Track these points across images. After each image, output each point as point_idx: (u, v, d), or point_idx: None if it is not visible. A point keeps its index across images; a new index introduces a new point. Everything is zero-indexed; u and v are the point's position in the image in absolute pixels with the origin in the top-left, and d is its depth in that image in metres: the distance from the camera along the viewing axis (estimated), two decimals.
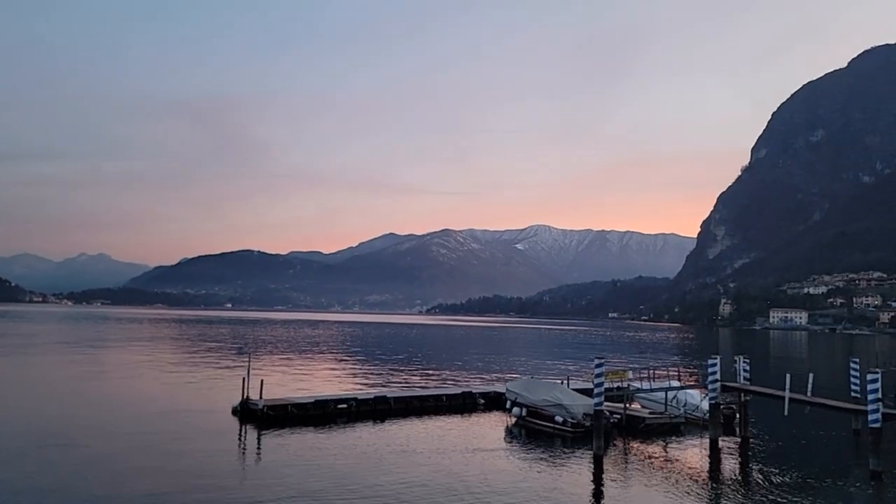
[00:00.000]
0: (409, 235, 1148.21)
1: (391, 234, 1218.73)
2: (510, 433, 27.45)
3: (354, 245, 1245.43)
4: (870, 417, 21.33)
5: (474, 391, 33.80)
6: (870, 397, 21.56)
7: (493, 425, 28.90)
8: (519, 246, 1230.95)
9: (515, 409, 28.67)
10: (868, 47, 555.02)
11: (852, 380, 28.46)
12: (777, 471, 22.73)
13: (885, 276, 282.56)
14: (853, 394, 27.73)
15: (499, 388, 33.50)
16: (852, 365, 29.09)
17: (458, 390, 34.46)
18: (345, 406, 29.97)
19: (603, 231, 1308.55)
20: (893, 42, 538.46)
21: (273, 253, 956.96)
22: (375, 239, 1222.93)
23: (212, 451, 22.66)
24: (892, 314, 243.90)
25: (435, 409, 31.12)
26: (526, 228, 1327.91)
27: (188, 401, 33.41)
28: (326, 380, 43.33)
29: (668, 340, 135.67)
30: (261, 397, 28.73)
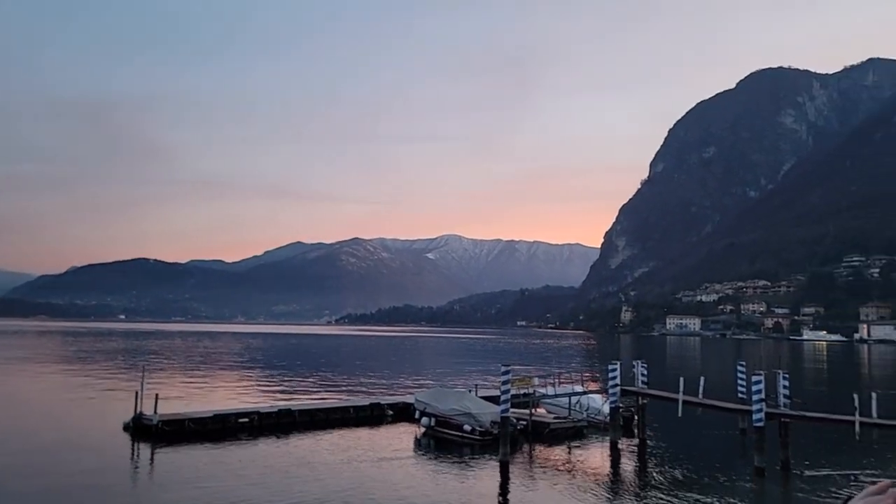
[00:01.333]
0: (317, 244, 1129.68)
1: (298, 242, 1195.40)
2: (419, 443, 27.37)
3: (259, 254, 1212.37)
4: (754, 417, 22.75)
5: (383, 402, 33.50)
6: (754, 398, 23.00)
7: (401, 436, 28.72)
8: (430, 255, 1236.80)
9: (424, 420, 28.61)
10: (754, 70, 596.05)
11: (739, 382, 30.20)
12: (671, 469, 23.88)
13: (769, 284, 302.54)
14: (740, 395, 29.38)
15: (408, 398, 33.34)
16: (739, 368, 30.92)
17: (367, 402, 34.05)
18: (246, 420, 28.96)
19: (512, 241, 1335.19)
20: (776, 66, 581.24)
21: (171, 261, 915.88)
22: (282, 247, 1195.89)
23: (100, 469, 21.32)
24: (776, 320, 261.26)
25: (342, 422, 30.59)
26: (437, 238, 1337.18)
27: (73, 418, 31.36)
28: (227, 393, 41.74)
29: (573, 347, 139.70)
30: (155, 412, 27.29)
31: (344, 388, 45.92)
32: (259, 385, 48.07)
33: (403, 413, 31.55)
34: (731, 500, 19.51)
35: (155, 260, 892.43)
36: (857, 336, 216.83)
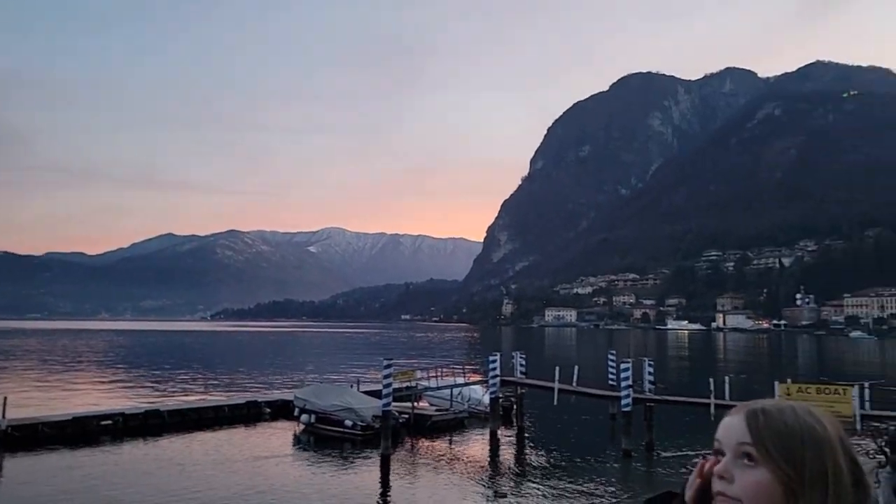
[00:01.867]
0: (190, 236, 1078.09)
1: (170, 234, 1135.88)
2: (298, 441, 26.76)
3: (126, 246, 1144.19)
4: (622, 402, 24.06)
5: (260, 400, 32.42)
6: (622, 385, 24.33)
7: (280, 434, 27.95)
8: (312, 248, 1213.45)
9: (304, 416, 27.96)
10: (626, 74, 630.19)
11: (610, 370, 31.77)
12: (547, 454, 24.83)
13: (638, 277, 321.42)
14: (610, 382, 30.89)
15: (287, 395, 32.42)
16: (610, 357, 32.55)
17: (243, 400, 32.84)
18: (109, 423, 27.07)
19: (397, 235, 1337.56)
20: (646, 71, 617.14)
21: (25, 254, 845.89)
22: (151, 239, 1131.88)
23: None
24: (644, 311, 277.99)
25: (216, 421, 29.26)
26: (319, 231, 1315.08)
27: None
28: (89, 396, 38.85)
29: (456, 340, 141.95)
30: (3, 416, 24.97)
31: (219, 387, 44.04)
32: (124, 386, 45.12)
33: (282, 411, 30.64)
34: (601, 481, 20.52)
35: (6, 252, 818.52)
36: (714, 325, 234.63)
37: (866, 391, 20.73)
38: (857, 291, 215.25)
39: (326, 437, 26.44)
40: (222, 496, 18.39)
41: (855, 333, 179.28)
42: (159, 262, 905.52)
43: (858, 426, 19.77)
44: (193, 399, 35.90)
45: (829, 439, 0.97)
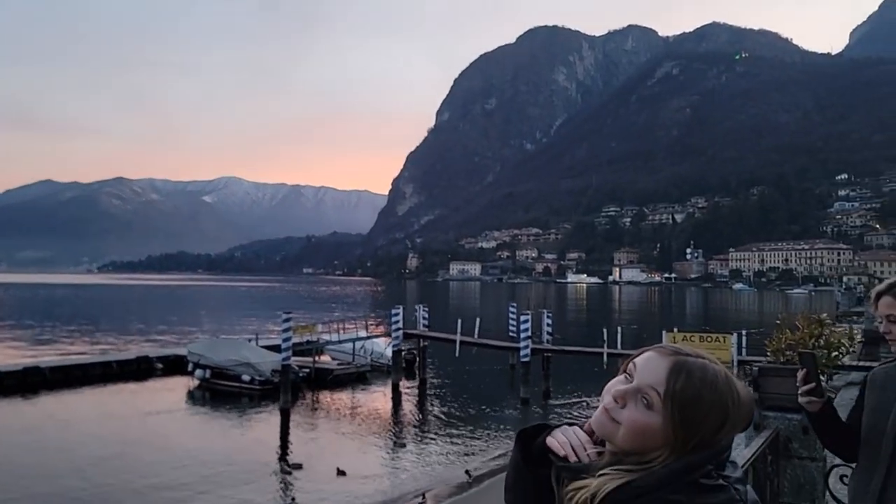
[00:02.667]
0: (72, 183, 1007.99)
1: (49, 180, 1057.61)
2: (193, 396, 25.89)
3: None
4: (521, 353, 24.66)
5: (151, 355, 31.01)
6: (522, 336, 24.91)
7: (173, 389, 26.92)
8: (207, 198, 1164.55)
9: (198, 372, 26.98)
10: (533, 26, 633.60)
11: (510, 322, 32.41)
12: (448, 404, 25.22)
13: (541, 231, 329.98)
14: (511, 334, 31.56)
15: (180, 351, 31.14)
16: (510, 309, 33.19)
17: (133, 355, 31.29)
18: None
19: (298, 186, 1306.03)
20: (552, 24, 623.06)
21: None
22: (28, 186, 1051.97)
23: None
24: (545, 265, 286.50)
25: (103, 378, 27.75)
26: (215, 180, 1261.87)
27: None
28: None
29: (360, 294, 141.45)
30: None
31: (107, 344, 41.79)
32: None
33: (175, 366, 29.39)
34: (500, 428, 21.05)
35: None
36: (610, 278, 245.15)
37: (743, 339, 22.09)
38: (740, 246, 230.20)
39: (223, 393, 25.69)
40: (114, 451, 17.66)
41: (737, 286, 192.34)
42: (37, 210, 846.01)
43: (735, 370, 21.16)
44: (78, 355, 33.84)
45: (735, 415, 1.01)
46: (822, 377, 2.50)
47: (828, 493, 2.83)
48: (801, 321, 3.96)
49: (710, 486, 0.95)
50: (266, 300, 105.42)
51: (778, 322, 4.37)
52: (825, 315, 4.27)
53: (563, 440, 1.06)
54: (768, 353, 3.64)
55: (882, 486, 2.23)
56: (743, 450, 2.72)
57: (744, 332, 22.96)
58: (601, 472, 0.99)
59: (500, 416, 23.06)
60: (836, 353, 3.93)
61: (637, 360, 1.07)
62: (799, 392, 2.39)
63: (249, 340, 31.94)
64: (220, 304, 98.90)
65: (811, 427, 2.53)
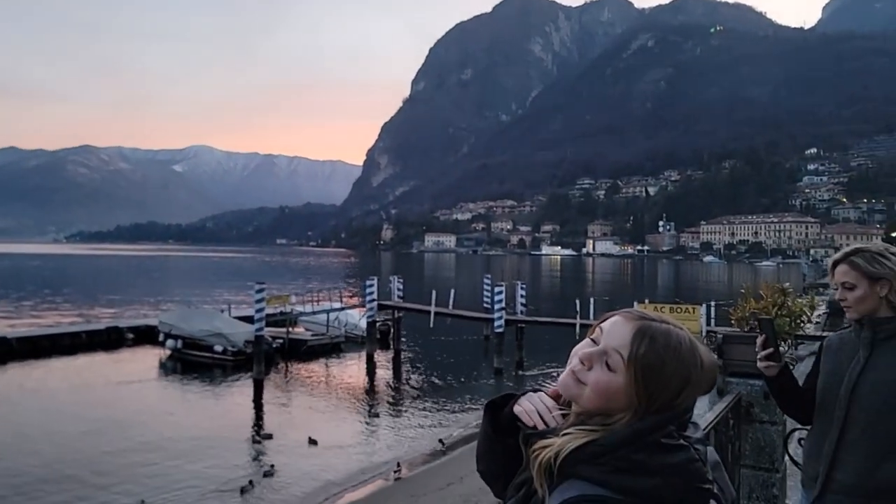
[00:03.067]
0: (37, 150, 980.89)
1: (12, 147, 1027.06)
2: (164, 366, 25.77)
3: None
4: (495, 324, 24.87)
5: (122, 325, 30.64)
6: (496, 307, 25.07)
7: (144, 359, 26.76)
8: (177, 168, 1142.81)
9: (170, 342, 26.77)
10: None
11: (485, 293, 32.55)
12: (422, 375, 25.42)
13: (515, 203, 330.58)
14: (485, 305, 31.73)
15: (151, 321, 30.79)
16: (485, 281, 33.29)
17: (102, 325, 30.87)
18: None
19: (271, 155, 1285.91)
20: None
21: None
22: None
23: None
24: (520, 237, 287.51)
25: (73, 349, 27.39)
26: (185, 149, 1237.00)
27: None
28: None
29: (334, 265, 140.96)
30: None
31: (76, 314, 41.19)
32: None
33: (146, 336, 29.11)
34: (472, 398, 21.25)
35: None
36: (584, 250, 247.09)
37: (711, 309, 22.48)
38: (711, 219, 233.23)
39: (195, 363, 25.54)
40: (84, 421, 17.55)
41: (708, 258, 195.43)
42: (1, 178, 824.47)
43: (703, 340, 21.53)
44: (46, 326, 33.29)
45: (697, 381, 1.05)
46: (781, 344, 2.66)
47: (787, 456, 2.95)
48: (765, 291, 4.10)
49: (671, 446, 0.99)
50: (238, 271, 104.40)
51: (743, 291, 4.64)
52: (788, 285, 4.39)
53: (530, 407, 1.10)
54: (733, 322, 3.94)
55: (835, 447, 2.34)
56: (706, 413, 2.82)
57: (712, 304, 23.34)
58: (565, 431, 1.03)
59: (473, 387, 23.27)
60: (798, 321, 4.04)
61: (604, 324, 1.10)
62: (758, 357, 2.51)
63: (222, 311, 31.72)
64: (191, 275, 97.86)
65: (769, 391, 2.66)
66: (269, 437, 16.28)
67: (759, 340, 2.51)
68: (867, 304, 2.33)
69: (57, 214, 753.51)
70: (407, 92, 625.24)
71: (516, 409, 1.11)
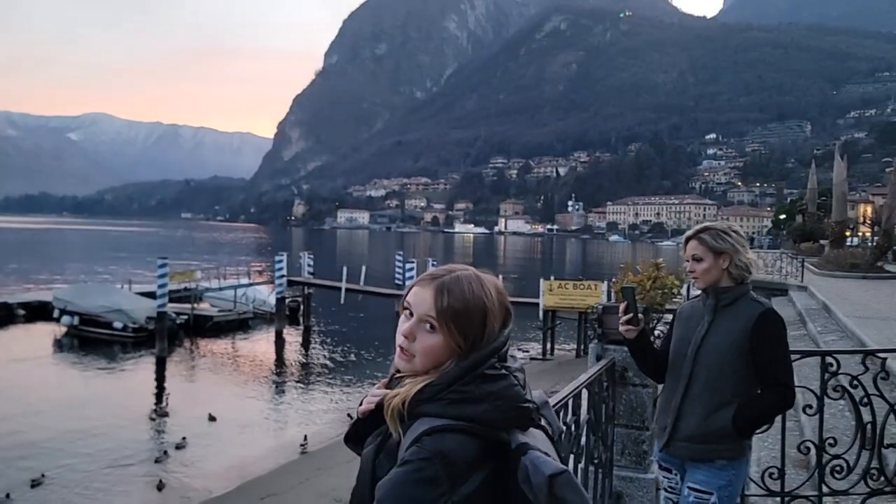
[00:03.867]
0: None
1: None
2: (60, 344, 24.63)
3: None
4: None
5: (10, 301, 28.91)
6: (408, 283, 25.25)
7: (38, 337, 25.46)
8: (73, 136, 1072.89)
9: (66, 318, 25.55)
10: None
11: (396, 270, 32.73)
12: (332, 351, 25.45)
13: (429, 181, 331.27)
14: (397, 281, 31.91)
15: (45, 297, 29.19)
16: (397, 258, 33.45)
17: None
18: None
19: (175, 125, 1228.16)
20: None
21: None
22: None
23: None
24: (434, 215, 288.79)
25: None
26: (81, 116, 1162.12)
27: None
28: None
29: (242, 240, 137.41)
30: None
31: None
32: None
33: (39, 312, 27.62)
34: (382, 374, 21.21)
35: None
36: (496, 229, 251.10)
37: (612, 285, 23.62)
38: (617, 200, 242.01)
39: (93, 340, 24.53)
40: None
41: (613, 237, 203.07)
42: None
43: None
44: None
45: (492, 307, 1.23)
46: (644, 312, 2.99)
47: (655, 415, 3.25)
48: (641, 265, 4.51)
49: (493, 376, 1.20)
50: (140, 246, 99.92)
51: (622, 266, 4.80)
52: (662, 261, 4.63)
53: (367, 401, 1.30)
54: (613, 294, 4.27)
55: (681, 401, 2.74)
56: (581, 375, 3.13)
57: (613, 280, 24.49)
58: (404, 382, 1.23)
59: (383, 363, 23.42)
60: (671, 294, 4.33)
61: (409, 297, 1.26)
62: (619, 321, 2.89)
63: (122, 286, 30.47)
64: (88, 250, 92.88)
65: (630, 352, 3.06)
66: (165, 414, 15.98)
67: (622, 307, 2.85)
68: (711, 274, 2.69)
69: None
70: (320, 64, 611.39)
71: (360, 410, 1.30)
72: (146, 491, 11.72)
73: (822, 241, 32.87)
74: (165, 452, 13.17)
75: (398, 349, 1.25)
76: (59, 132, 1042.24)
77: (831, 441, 3.76)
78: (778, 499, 3.75)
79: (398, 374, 1.29)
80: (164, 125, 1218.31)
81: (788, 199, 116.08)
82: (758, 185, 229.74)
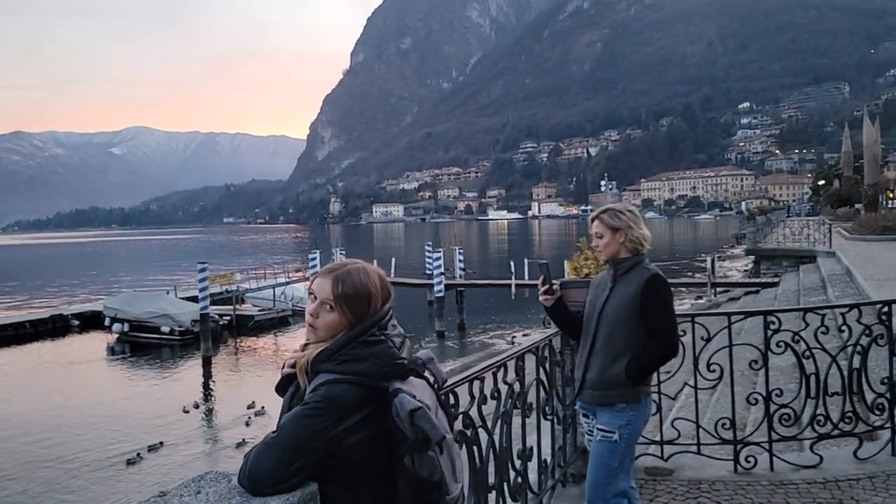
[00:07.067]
0: None
1: None
2: (112, 350, 26.09)
3: None
4: (435, 289, 26.02)
5: (66, 313, 30.67)
6: (435, 272, 26.22)
7: (92, 344, 27.00)
8: (116, 150, 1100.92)
9: (116, 325, 27.05)
10: None
11: (427, 260, 33.68)
12: None
13: (461, 170, 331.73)
14: (427, 271, 32.87)
15: (97, 307, 30.85)
16: (427, 248, 34.40)
17: (47, 314, 30.83)
18: None
19: (212, 133, 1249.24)
20: None
21: None
22: None
23: None
24: (467, 203, 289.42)
25: (17, 339, 27.36)
26: (122, 130, 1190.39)
27: None
28: None
29: (282, 241, 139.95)
30: None
31: (17, 305, 40.72)
32: None
33: (92, 322, 29.23)
34: None
35: None
36: (530, 213, 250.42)
37: None
38: (651, 176, 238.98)
39: (143, 345, 25.99)
40: (40, 402, 18.17)
41: (649, 214, 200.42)
42: None
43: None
44: None
45: (376, 292, 1.73)
46: (553, 281, 3.46)
47: None
48: (583, 244, 4.86)
49: (374, 341, 1.67)
50: (184, 252, 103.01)
51: (579, 245, 5.28)
52: (584, 238, 5.48)
53: (287, 362, 1.80)
54: (570, 270, 4.47)
55: (587, 355, 3.26)
56: (525, 342, 3.64)
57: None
58: (309, 346, 1.72)
59: (417, 350, 24.37)
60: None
61: (313, 286, 1.74)
62: (540, 292, 3.45)
63: (167, 292, 31.99)
64: (136, 259, 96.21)
65: (549, 316, 3.55)
66: (210, 411, 17.30)
67: (539, 280, 3.41)
68: (611, 248, 3.22)
69: None
70: (347, 63, 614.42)
71: (283, 371, 1.83)
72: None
73: (857, 206, 32.60)
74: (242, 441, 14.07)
75: (308, 326, 1.74)
76: (102, 148, 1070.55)
77: (777, 392, 4.15)
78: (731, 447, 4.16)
79: (307, 343, 1.75)
80: (201, 134, 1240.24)
81: (828, 165, 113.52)
82: (796, 151, 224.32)
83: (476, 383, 2.75)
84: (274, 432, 1.57)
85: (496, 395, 2.96)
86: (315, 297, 1.71)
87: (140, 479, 12.64)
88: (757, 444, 4.18)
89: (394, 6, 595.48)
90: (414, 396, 1.59)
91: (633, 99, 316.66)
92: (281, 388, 1.80)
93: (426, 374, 1.76)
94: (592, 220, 3.29)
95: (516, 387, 3.17)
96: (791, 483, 4.02)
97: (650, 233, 3.11)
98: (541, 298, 3.47)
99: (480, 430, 2.70)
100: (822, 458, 4.13)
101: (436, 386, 1.78)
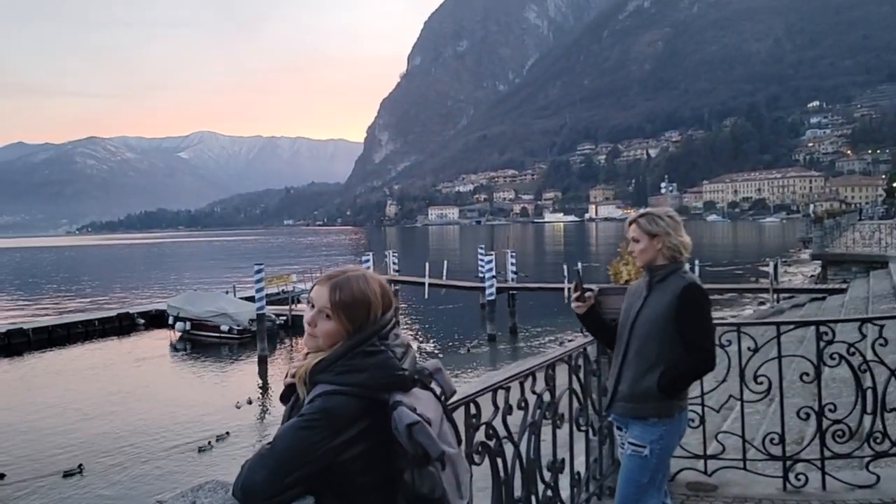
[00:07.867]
0: (44, 144, 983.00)
1: (20, 143, 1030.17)
2: (175, 347, 27.00)
3: None
4: (486, 292, 25.90)
5: (132, 311, 31.90)
6: (486, 276, 26.11)
7: (156, 342, 28.00)
8: (183, 155, 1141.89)
9: (179, 324, 27.98)
10: None
11: (479, 263, 33.60)
12: (420, 343, 26.50)
13: (517, 173, 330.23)
14: (480, 274, 32.80)
15: (160, 305, 31.96)
16: (479, 251, 34.31)
17: (114, 312, 32.11)
18: None
19: (273, 137, 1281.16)
20: None
21: None
22: None
23: None
24: (522, 205, 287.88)
25: (86, 336, 28.62)
26: (189, 135, 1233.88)
27: None
28: None
29: (339, 242, 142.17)
30: None
31: (88, 303, 42.53)
32: None
33: (156, 320, 30.32)
34: (468, 364, 22.35)
35: None
36: (587, 216, 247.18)
37: (696, 268, 23.44)
38: (714, 178, 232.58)
39: (203, 343, 26.79)
40: (108, 395, 19.00)
41: (711, 217, 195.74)
42: (11, 173, 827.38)
43: None
44: (60, 315, 34.58)
45: (376, 301, 1.65)
46: (593, 289, 3.41)
47: None
48: (622, 249, 4.71)
49: (373, 351, 1.60)
50: (245, 253, 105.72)
51: (619, 250, 5.12)
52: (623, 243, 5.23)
53: (289, 372, 1.73)
54: (610, 276, 4.33)
55: (620, 366, 3.12)
56: (558, 351, 3.56)
57: (696, 262, 24.34)
58: (308, 356, 1.66)
59: (468, 352, 24.32)
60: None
61: (311, 293, 1.67)
62: (572, 298, 3.37)
63: (227, 292, 32.85)
64: (201, 260, 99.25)
65: (581, 323, 3.42)
66: (249, 402, 17.84)
67: (572, 286, 3.38)
68: (647, 254, 3.07)
69: (68, 207, 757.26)
70: (404, 67, 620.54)
71: (285, 381, 1.76)
72: None
73: None
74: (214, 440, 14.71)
75: (306, 335, 1.67)
76: (170, 152, 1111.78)
77: (831, 407, 3.90)
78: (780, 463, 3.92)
79: (307, 351, 1.69)
80: (263, 138, 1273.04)
81: None
82: (870, 151, 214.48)
83: (501, 393, 2.69)
84: (269, 444, 1.52)
85: (523, 404, 2.90)
86: (312, 306, 1.67)
87: (211, 463, 13.41)
88: (808, 461, 3.93)
89: (451, 9, 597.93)
90: (415, 409, 1.52)
91: (696, 99, 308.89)
92: (285, 398, 1.76)
93: (433, 385, 1.72)
94: (630, 224, 3.17)
95: (545, 396, 3.10)
96: (845, 503, 3.79)
97: (689, 239, 3.01)
98: (573, 305, 3.36)
99: (506, 442, 2.63)
100: (879, 477, 3.87)
101: (443, 398, 1.74)
